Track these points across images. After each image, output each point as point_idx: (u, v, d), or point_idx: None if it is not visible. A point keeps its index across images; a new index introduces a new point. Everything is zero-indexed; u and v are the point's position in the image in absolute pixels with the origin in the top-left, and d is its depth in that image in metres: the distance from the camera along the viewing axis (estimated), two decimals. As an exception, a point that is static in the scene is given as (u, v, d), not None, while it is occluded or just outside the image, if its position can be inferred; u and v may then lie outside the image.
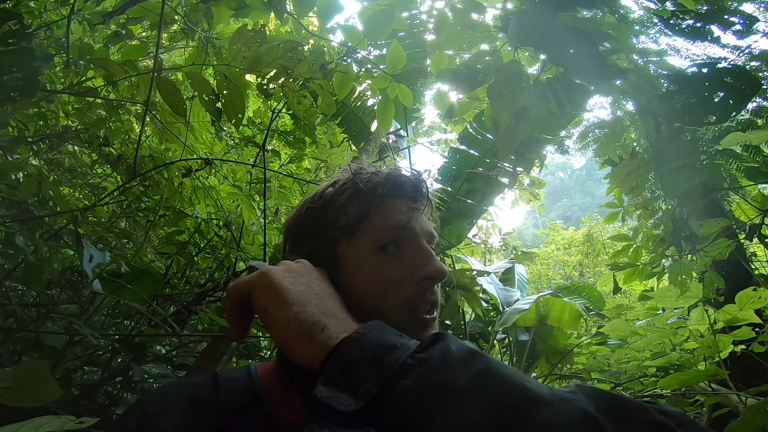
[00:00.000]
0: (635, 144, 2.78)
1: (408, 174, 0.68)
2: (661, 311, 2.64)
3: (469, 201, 3.26)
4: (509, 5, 1.40)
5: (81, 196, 2.14)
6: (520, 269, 4.72)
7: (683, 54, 1.64)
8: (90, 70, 1.36)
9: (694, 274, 2.08)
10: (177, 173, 2.08)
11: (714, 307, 2.07)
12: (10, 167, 1.09)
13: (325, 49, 1.84)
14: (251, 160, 2.43)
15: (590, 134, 3.17)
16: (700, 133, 1.78)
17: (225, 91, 1.34)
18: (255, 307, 0.52)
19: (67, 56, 1.18)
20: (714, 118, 1.03)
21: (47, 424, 0.59)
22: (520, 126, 1.92)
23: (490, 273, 3.52)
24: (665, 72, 1.65)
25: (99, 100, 1.56)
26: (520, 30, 1.33)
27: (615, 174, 2.68)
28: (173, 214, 2.25)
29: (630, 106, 2.29)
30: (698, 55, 1.51)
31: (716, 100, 0.98)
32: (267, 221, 2.39)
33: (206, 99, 1.34)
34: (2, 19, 0.51)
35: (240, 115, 1.41)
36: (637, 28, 1.74)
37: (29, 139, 1.54)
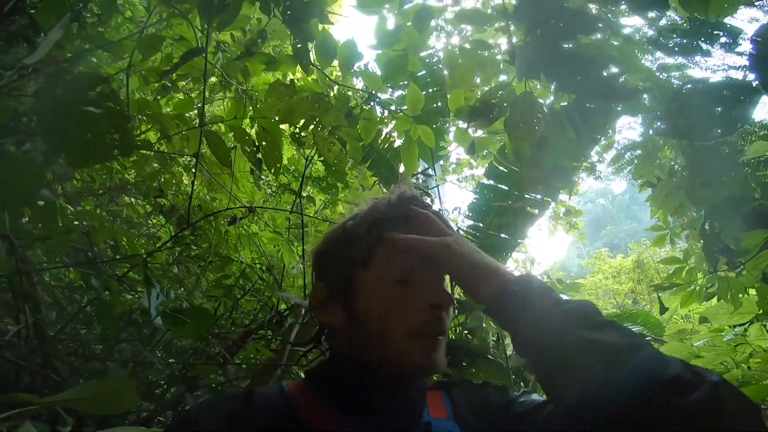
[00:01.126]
0: (672, 162, 2.72)
1: (417, 200, 0.75)
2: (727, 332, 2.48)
3: (501, 235, 3.26)
4: (514, 39, 1.51)
5: (139, 246, 2.36)
6: (566, 301, 4.55)
7: (702, 66, 1.67)
8: (143, 124, 1.56)
9: (749, 289, 1.96)
10: (223, 222, 2.27)
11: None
12: (87, 216, 1.28)
13: (350, 94, 2.02)
14: (289, 207, 2.60)
15: (623, 157, 3.14)
16: (723, 148, 1.76)
17: (264, 142, 1.50)
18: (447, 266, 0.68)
19: (128, 113, 1.39)
20: (719, 131, 1.06)
21: (124, 433, 0.68)
22: (541, 156, 1.97)
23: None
24: (681, 86, 1.68)
25: (152, 153, 1.78)
26: (525, 63, 1.43)
27: (655, 196, 2.62)
28: (220, 260, 2.42)
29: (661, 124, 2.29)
30: (719, 66, 1.54)
31: (717, 113, 1.01)
32: (306, 265, 2.50)
33: (248, 150, 1.51)
34: (94, 82, 0.66)
35: (278, 164, 1.57)
36: (649, 47, 1.78)
37: (98, 192, 1.77)
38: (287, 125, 1.62)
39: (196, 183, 2.48)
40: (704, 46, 1.07)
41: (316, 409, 0.65)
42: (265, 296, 2.46)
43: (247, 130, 1.52)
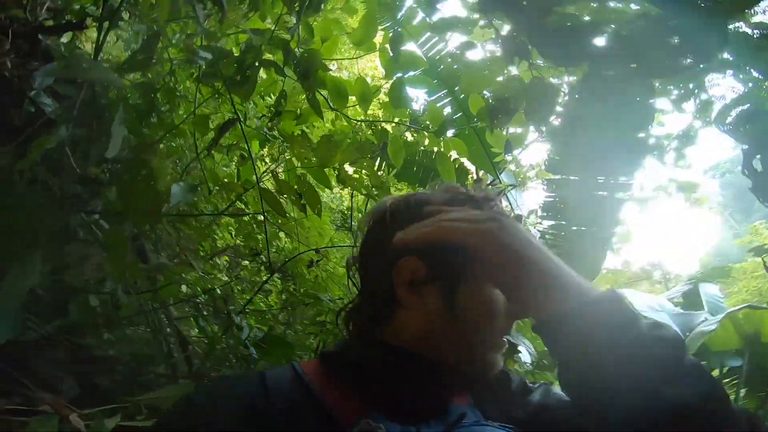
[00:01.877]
0: (794, 107, 2.35)
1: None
2: None
3: (583, 228, 3.05)
4: (503, 32, 1.55)
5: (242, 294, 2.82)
6: (709, 289, 3.94)
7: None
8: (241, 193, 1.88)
9: None
10: (308, 268, 2.63)
11: None
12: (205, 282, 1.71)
13: (382, 126, 2.22)
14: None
15: (730, 115, 2.80)
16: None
17: (303, 189, 1.79)
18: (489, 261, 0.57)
19: (207, 186, 1.78)
20: (689, 61, 0.98)
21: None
22: (575, 135, 1.91)
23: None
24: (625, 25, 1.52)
25: (247, 218, 2.18)
26: (507, 48, 1.48)
27: (789, 150, 2.27)
28: (313, 300, 2.77)
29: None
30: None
31: (675, 43, 0.95)
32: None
33: (293, 198, 1.81)
34: (140, 166, 0.98)
35: (318, 206, 1.83)
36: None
37: (208, 257, 2.24)
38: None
39: (281, 236, 2.92)
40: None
41: (340, 393, 0.60)
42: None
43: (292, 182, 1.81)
